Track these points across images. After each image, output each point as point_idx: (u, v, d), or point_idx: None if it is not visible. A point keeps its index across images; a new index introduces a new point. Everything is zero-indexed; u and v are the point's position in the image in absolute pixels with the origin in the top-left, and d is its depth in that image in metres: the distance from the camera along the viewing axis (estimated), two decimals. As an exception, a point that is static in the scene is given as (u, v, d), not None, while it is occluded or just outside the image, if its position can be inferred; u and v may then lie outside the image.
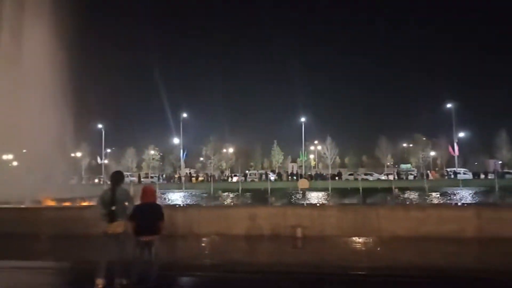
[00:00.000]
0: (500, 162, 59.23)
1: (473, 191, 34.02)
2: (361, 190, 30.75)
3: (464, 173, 51.65)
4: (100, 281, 5.73)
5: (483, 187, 36.36)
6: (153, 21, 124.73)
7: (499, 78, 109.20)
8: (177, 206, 14.21)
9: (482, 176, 49.65)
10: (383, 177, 52.51)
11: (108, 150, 75.53)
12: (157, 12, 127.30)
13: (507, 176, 48.68)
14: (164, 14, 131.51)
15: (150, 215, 5.91)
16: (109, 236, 5.82)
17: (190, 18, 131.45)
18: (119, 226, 5.81)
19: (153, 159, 75.55)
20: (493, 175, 47.90)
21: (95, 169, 68.76)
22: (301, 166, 68.26)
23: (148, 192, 6.13)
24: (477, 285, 6.28)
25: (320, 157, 75.55)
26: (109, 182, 6.15)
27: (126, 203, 5.93)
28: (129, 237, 5.93)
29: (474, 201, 25.38)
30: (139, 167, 77.36)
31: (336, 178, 50.35)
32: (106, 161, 71.02)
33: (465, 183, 41.70)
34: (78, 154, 67.79)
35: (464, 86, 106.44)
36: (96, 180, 55.64)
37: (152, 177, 57.29)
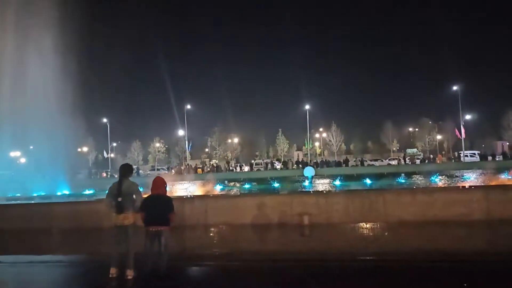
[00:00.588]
0: (508, 143, 58.61)
1: (480, 174, 33.81)
2: (367, 176, 30.73)
3: (471, 156, 51.30)
4: (113, 270, 5.94)
5: (490, 169, 36.10)
6: (157, 12, 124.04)
7: (505, 58, 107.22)
8: (184, 197, 14.33)
9: (490, 158, 49.25)
10: (393, 162, 52.47)
11: (114, 144, 75.98)
12: (160, 3, 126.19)
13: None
14: (167, 5, 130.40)
15: (159, 206, 5.99)
16: (117, 227, 5.96)
17: (193, 7, 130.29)
18: (126, 219, 5.92)
19: (158, 151, 75.88)
20: (500, 156, 47.59)
21: (102, 163, 69.31)
22: (307, 154, 68.19)
23: (159, 184, 6.18)
24: (487, 268, 6.24)
25: (325, 144, 75.37)
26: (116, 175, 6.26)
27: (134, 196, 6.02)
28: (137, 229, 6.05)
29: (480, 183, 25.25)
30: (145, 160, 77.85)
31: (344, 165, 50.30)
32: (112, 155, 71.49)
33: (472, 166, 41.44)
34: (85, 149, 68.38)
35: (470, 67, 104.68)
36: (104, 174, 56.12)
37: (159, 169, 57.69)
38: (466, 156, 51.41)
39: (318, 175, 38.85)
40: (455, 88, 54.67)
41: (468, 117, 59.06)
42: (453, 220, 9.47)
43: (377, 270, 6.36)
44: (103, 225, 8.94)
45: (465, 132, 55.44)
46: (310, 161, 58.34)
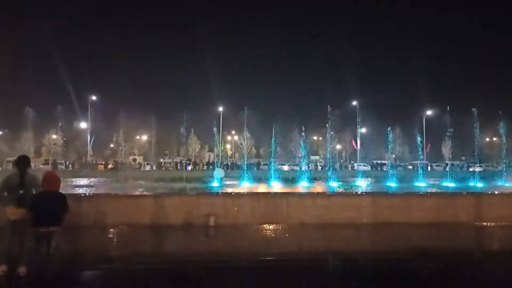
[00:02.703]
0: (394, 156, 66.71)
1: (370, 182, 37.80)
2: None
3: (364, 166, 57.23)
4: (4, 268, 5.58)
5: (379, 178, 40.61)
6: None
7: (398, 79, 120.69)
8: (82, 195, 13.15)
9: (379, 168, 55.63)
10: (296, 167, 55.48)
11: (0, 133, 66.61)
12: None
13: (399, 168, 55.53)
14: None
15: (52, 204, 5.46)
16: (13, 222, 5.56)
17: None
18: (26, 213, 5.51)
19: (54, 144, 68.50)
20: (387, 167, 54.04)
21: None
22: (218, 155, 68.47)
23: (51, 179, 5.64)
24: (370, 264, 7.09)
25: (236, 147, 76.57)
26: (15, 167, 5.92)
27: (33, 190, 5.69)
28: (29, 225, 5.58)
29: (370, 190, 28.23)
30: (37, 153, 69.68)
31: (255, 168, 51.80)
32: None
33: (365, 174, 46.20)
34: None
35: (369, 85, 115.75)
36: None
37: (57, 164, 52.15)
38: (360, 165, 57.16)
39: (228, 177, 39.18)
40: (354, 103, 60.52)
41: (363, 130, 65.75)
42: (346, 223, 10.39)
43: (277, 270, 6.64)
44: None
45: (361, 144, 61.76)
46: (221, 162, 58.71)
